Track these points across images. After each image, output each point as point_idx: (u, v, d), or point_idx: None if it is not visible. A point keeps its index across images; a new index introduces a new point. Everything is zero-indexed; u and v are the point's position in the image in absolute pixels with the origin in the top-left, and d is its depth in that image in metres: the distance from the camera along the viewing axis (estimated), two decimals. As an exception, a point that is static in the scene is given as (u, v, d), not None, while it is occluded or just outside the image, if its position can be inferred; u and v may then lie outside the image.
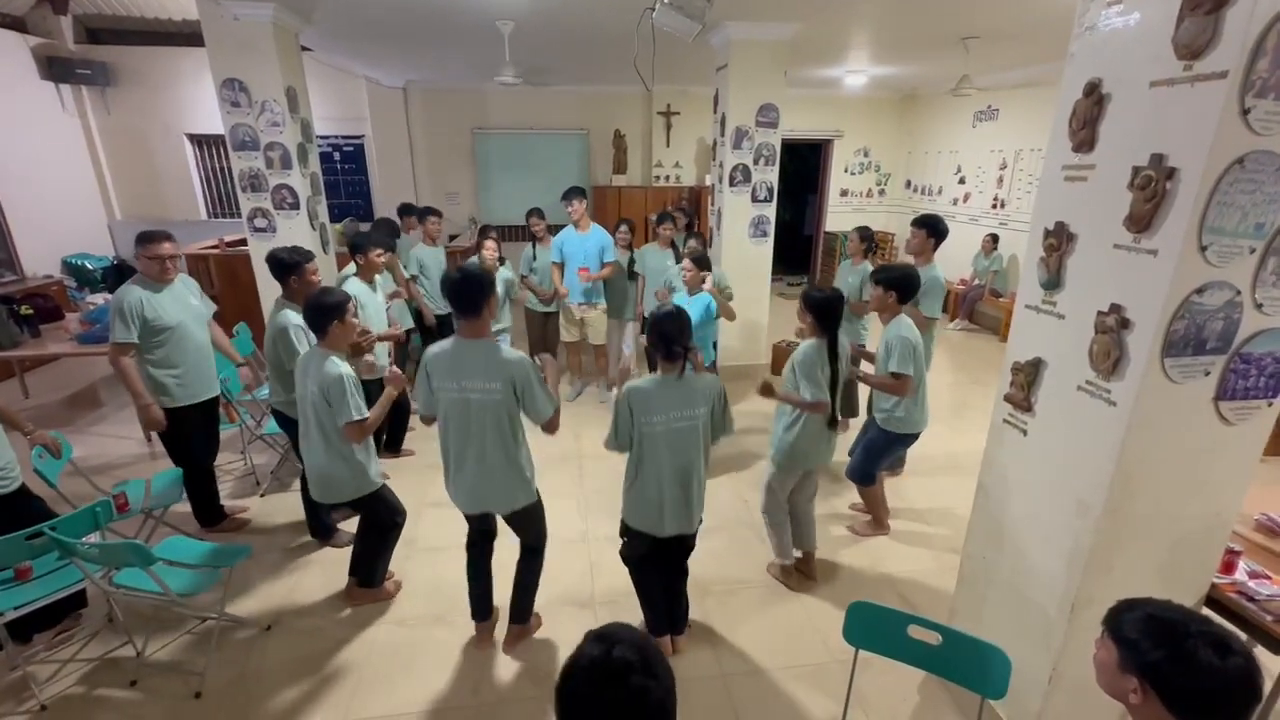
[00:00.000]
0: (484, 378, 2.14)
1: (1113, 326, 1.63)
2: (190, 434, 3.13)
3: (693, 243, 4.72)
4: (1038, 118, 6.56)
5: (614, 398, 2.29)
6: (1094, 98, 1.66)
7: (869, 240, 4.12)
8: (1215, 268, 1.47)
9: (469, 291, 2.12)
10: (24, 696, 2.31)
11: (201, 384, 3.12)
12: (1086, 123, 1.69)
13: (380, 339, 3.30)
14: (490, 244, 4.45)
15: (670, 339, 2.16)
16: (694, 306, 3.81)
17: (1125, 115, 1.60)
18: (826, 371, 2.60)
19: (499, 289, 4.21)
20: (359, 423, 2.39)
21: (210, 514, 3.36)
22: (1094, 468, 1.72)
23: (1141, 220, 1.53)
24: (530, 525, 2.46)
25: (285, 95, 4.30)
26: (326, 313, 2.43)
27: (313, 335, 2.54)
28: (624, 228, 5.01)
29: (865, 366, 3.45)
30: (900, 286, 2.88)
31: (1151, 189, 1.50)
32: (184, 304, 3.05)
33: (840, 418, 2.70)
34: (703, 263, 3.76)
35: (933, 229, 3.65)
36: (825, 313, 2.60)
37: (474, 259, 4.59)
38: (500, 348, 2.18)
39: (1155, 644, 1.06)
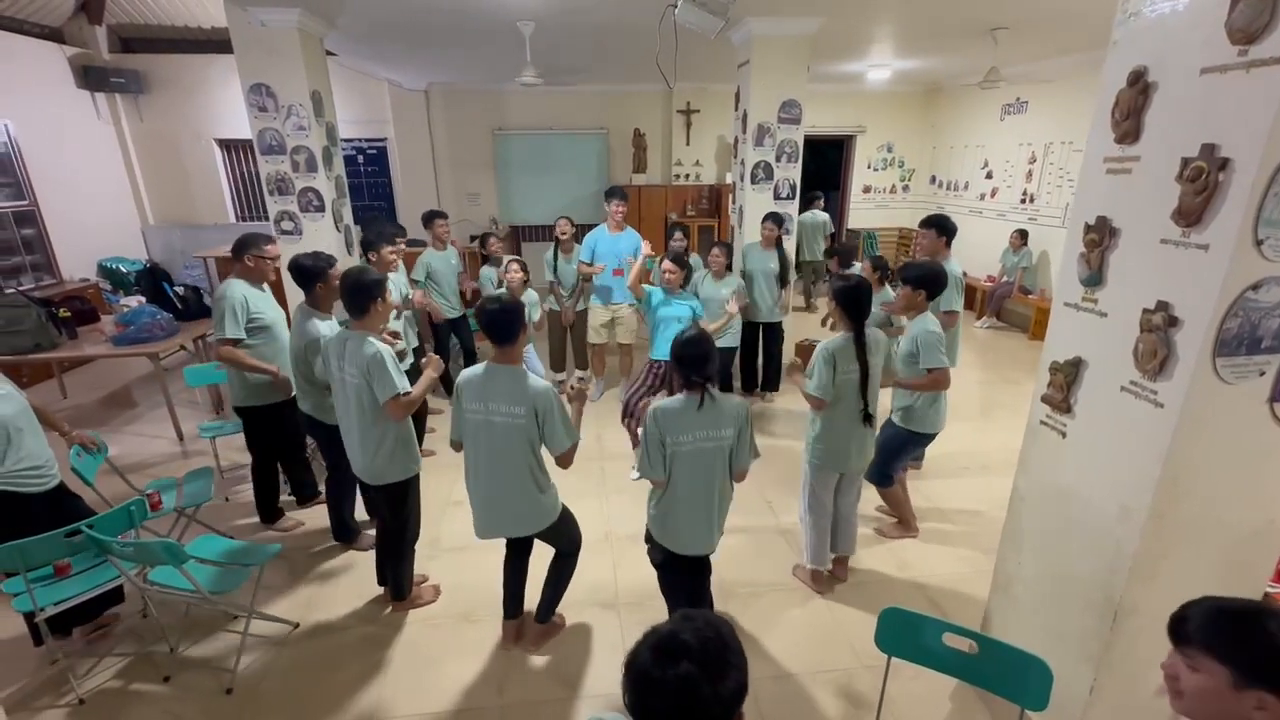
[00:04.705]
0: (509, 402, 2.21)
1: (1159, 325, 1.57)
2: (288, 429, 3.23)
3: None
4: (1070, 109, 6.37)
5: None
6: (1139, 86, 1.60)
7: (883, 269, 3.93)
8: (1272, 263, 1.40)
9: (506, 322, 2.22)
10: (63, 690, 2.37)
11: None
12: (1131, 113, 1.62)
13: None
14: (516, 266, 4.24)
15: (688, 367, 2.09)
16: (675, 310, 3.74)
17: (1173, 104, 1.53)
18: (854, 365, 2.54)
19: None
20: (402, 397, 2.38)
21: (271, 511, 3.44)
22: (1139, 471, 1.66)
23: (1191, 214, 1.47)
24: (559, 536, 2.50)
25: (310, 99, 4.36)
26: (367, 290, 2.43)
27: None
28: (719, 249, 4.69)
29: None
30: (929, 284, 2.83)
31: (1202, 181, 1.43)
32: (273, 304, 3.17)
33: (872, 414, 2.64)
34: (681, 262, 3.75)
35: (941, 228, 3.57)
36: (852, 302, 2.53)
37: (492, 278, 4.63)
38: (528, 376, 2.24)
39: None
